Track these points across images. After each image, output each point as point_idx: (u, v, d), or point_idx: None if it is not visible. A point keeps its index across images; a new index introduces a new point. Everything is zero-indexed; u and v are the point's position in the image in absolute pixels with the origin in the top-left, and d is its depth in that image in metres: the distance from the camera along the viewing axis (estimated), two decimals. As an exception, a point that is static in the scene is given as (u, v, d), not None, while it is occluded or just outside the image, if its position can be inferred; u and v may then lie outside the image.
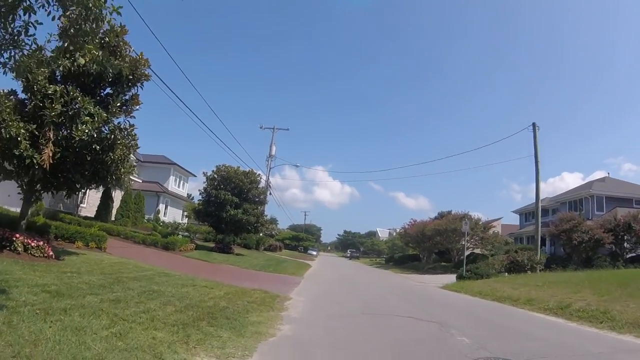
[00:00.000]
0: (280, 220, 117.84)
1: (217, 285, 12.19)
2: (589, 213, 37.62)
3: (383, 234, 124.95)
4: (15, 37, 4.80)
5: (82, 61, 5.43)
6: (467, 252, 38.18)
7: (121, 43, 11.46)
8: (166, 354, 5.06)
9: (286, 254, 55.72)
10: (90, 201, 33.04)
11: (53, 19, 4.82)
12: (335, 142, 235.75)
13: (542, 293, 15.14)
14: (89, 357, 4.47)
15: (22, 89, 10.50)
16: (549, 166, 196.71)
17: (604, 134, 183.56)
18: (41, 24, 4.86)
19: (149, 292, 9.07)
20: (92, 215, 30.18)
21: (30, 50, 4.89)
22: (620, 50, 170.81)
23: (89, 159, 11.11)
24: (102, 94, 11.93)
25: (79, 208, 32.05)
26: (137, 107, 12.13)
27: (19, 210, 13.18)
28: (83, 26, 4.58)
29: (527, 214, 54.21)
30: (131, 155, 13.03)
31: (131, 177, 36.88)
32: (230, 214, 28.98)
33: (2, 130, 9.14)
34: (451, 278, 25.98)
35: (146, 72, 12.17)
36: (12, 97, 10.61)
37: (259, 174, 32.96)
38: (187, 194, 52.51)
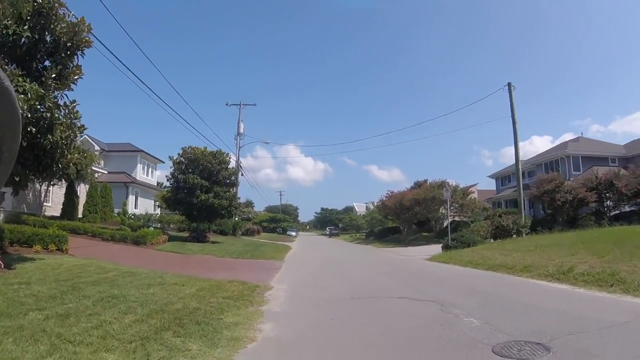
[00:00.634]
0: (256, 203, 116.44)
1: (189, 280, 10.96)
2: (565, 174, 37.29)
3: (360, 208, 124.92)
4: None
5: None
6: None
7: (56, 5, 9.87)
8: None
9: (265, 237, 54.60)
10: (55, 199, 31.36)
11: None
12: (306, 121, 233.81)
13: (537, 258, 14.35)
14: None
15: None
16: (520, 128, 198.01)
17: (571, 96, 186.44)
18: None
19: (108, 299, 7.83)
20: (59, 214, 28.56)
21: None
22: (592, 11, 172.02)
23: (25, 144, 9.55)
24: (39, 68, 10.38)
25: (44, 208, 30.38)
26: (77, 77, 10.56)
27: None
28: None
29: (503, 178, 54.13)
30: (78, 138, 11.51)
31: (95, 168, 35.40)
32: (201, 199, 27.43)
33: None
34: (436, 249, 25.31)
35: (87, 38, 10.62)
36: None
37: (228, 154, 31.37)
38: (158, 183, 50.56)
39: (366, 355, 5.48)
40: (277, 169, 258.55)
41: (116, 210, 35.03)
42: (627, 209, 29.58)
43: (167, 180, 29.93)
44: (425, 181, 49.13)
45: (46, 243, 15.40)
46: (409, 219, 45.57)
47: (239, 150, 44.44)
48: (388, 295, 9.92)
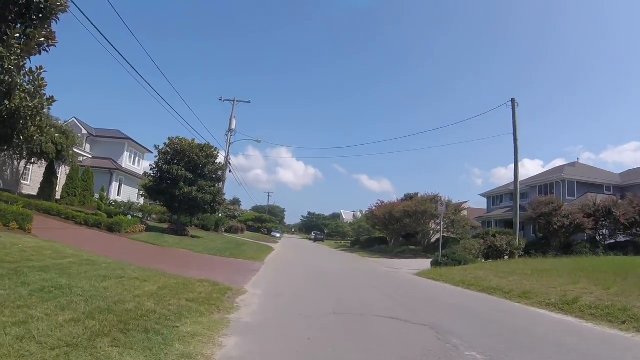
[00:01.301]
0: (243, 201, 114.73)
1: (153, 276, 9.77)
2: (560, 198, 36.40)
3: (347, 216, 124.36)
4: None
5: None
6: (438, 235, 36.77)
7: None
8: None
9: (248, 236, 53.40)
10: (34, 178, 30.24)
11: None
12: (300, 126, 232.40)
13: (535, 284, 13.31)
14: None
15: None
16: (509, 153, 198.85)
17: (564, 122, 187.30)
18: None
19: (50, 290, 6.67)
20: (35, 194, 27.33)
21: None
22: (577, 34, 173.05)
23: (-22, 111, 8.39)
24: (5, 30, 9.15)
25: (21, 185, 29.14)
26: (49, 44, 9.33)
27: None
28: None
29: (495, 198, 53.40)
30: (44, 108, 10.29)
31: (77, 150, 34.11)
32: (184, 192, 26.22)
33: None
34: (423, 263, 24.28)
35: (63, 1, 9.41)
36: None
37: (216, 148, 30.10)
38: (145, 173, 49.26)
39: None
40: (268, 170, 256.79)
41: (96, 196, 33.72)
42: (621, 238, 28.76)
43: (151, 169, 28.62)
44: (416, 194, 48.31)
45: (7, 220, 14.17)
46: (397, 230, 44.53)
47: (229, 146, 43.17)
48: (375, 313, 8.72)
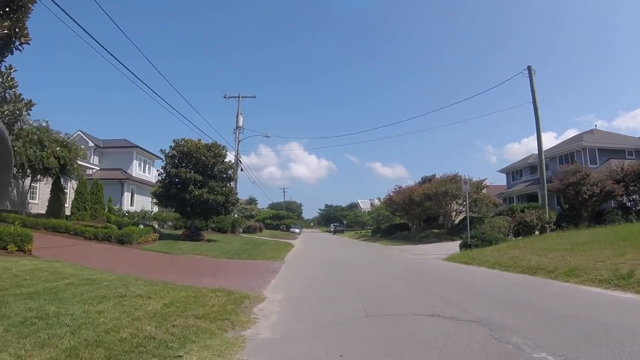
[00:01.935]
0: (259, 200, 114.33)
1: (160, 290, 8.73)
2: (582, 167, 35.08)
3: (365, 205, 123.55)
4: None
5: None
6: (461, 216, 35.51)
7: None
8: None
9: (267, 235, 52.58)
10: (42, 196, 29.62)
11: None
12: (308, 108, 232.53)
13: (579, 259, 12.12)
14: None
15: None
16: (521, 127, 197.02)
17: (571, 91, 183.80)
18: None
19: (33, 321, 5.66)
20: (44, 212, 26.72)
21: None
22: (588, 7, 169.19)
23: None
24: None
25: (29, 205, 28.51)
26: (18, 41, 8.32)
27: None
28: None
29: (514, 173, 52.07)
30: (22, 115, 9.27)
31: (84, 163, 33.29)
32: (195, 195, 25.24)
33: None
34: (450, 247, 23.16)
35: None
36: None
37: (224, 147, 29.00)
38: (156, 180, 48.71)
39: None
40: (281, 167, 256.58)
41: (108, 208, 33.07)
42: (652, 202, 27.48)
43: (159, 174, 27.79)
44: (434, 176, 47.15)
45: (5, 243, 13.28)
46: (419, 215, 43.49)
47: (237, 143, 42.28)
48: (413, 312, 7.56)
